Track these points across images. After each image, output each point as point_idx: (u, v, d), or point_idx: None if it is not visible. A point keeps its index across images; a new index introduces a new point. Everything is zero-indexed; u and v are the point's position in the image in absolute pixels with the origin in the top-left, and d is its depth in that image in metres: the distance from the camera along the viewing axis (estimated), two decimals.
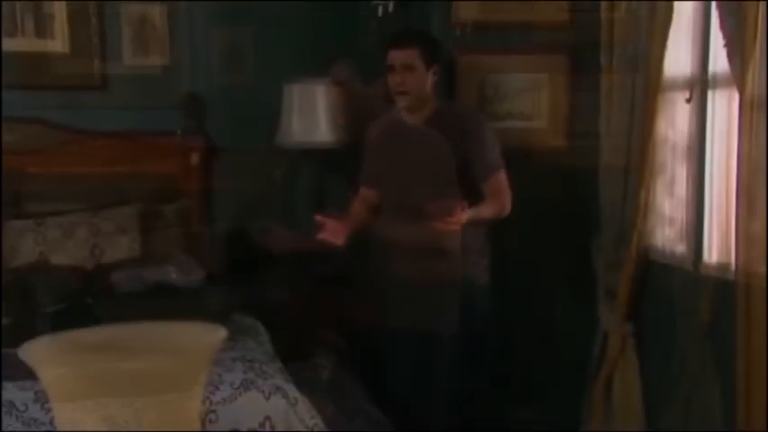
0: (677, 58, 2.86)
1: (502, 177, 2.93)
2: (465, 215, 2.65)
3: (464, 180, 2.89)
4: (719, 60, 2.60)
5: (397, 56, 2.88)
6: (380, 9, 3.57)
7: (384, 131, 3.06)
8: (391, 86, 2.90)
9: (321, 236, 2.80)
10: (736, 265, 2.39)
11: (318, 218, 2.82)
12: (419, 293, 2.94)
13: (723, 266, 2.60)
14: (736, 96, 2.37)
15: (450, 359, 2.99)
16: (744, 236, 2.33)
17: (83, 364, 0.92)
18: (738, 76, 2.33)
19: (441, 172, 2.90)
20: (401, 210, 2.95)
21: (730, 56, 2.38)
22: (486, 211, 2.83)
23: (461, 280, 2.94)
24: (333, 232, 2.80)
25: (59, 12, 3.50)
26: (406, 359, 3.07)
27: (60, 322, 2.12)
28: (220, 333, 0.98)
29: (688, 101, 2.82)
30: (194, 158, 3.59)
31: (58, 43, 3.52)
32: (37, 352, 0.96)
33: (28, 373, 1.23)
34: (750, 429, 2.32)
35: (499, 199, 2.90)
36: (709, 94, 2.70)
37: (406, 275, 2.96)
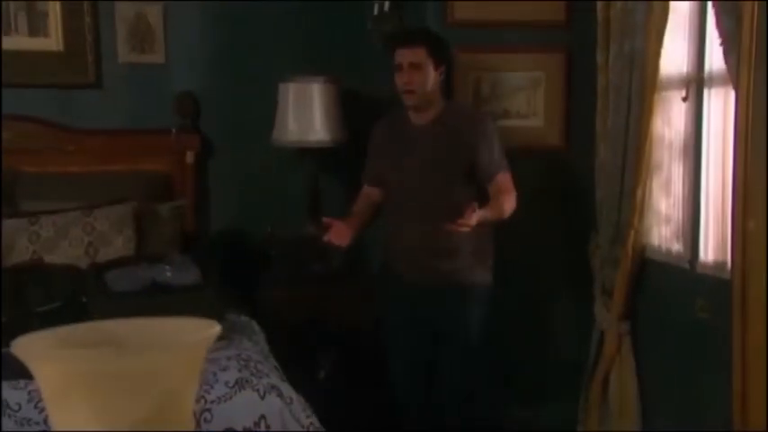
0: (673, 57, 2.86)
1: (508, 177, 2.93)
2: (476, 216, 2.65)
3: (470, 180, 2.90)
4: (715, 58, 2.60)
5: (405, 55, 2.88)
6: (376, 8, 3.57)
7: (390, 130, 3.06)
8: (399, 85, 2.90)
9: (327, 238, 2.82)
10: (732, 263, 2.39)
11: (325, 220, 2.84)
12: (424, 292, 2.94)
13: (719, 265, 2.60)
14: (732, 94, 2.37)
15: (452, 359, 2.99)
16: (740, 234, 2.32)
17: (76, 359, 0.91)
18: (734, 74, 2.32)
19: (446, 171, 2.90)
20: (406, 209, 2.94)
21: (726, 54, 2.37)
22: (493, 211, 2.82)
23: (466, 278, 2.94)
24: (338, 234, 2.81)
25: (53, 10, 3.48)
26: (407, 358, 3.07)
27: (54, 321, 2.10)
28: (215, 328, 0.97)
29: (684, 99, 2.82)
30: (189, 157, 3.58)
31: (52, 42, 3.50)
32: (30, 347, 0.95)
33: (22, 373, 1.22)
34: (746, 428, 2.32)
35: (506, 199, 2.89)
36: (705, 92, 2.70)
37: (411, 274, 2.95)
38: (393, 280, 3.02)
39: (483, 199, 2.85)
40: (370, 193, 3.10)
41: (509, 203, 2.89)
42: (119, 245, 3.14)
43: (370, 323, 3.37)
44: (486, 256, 2.99)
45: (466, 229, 2.65)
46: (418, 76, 2.86)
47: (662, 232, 3.03)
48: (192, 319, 0.99)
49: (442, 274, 2.91)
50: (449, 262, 2.90)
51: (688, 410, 2.83)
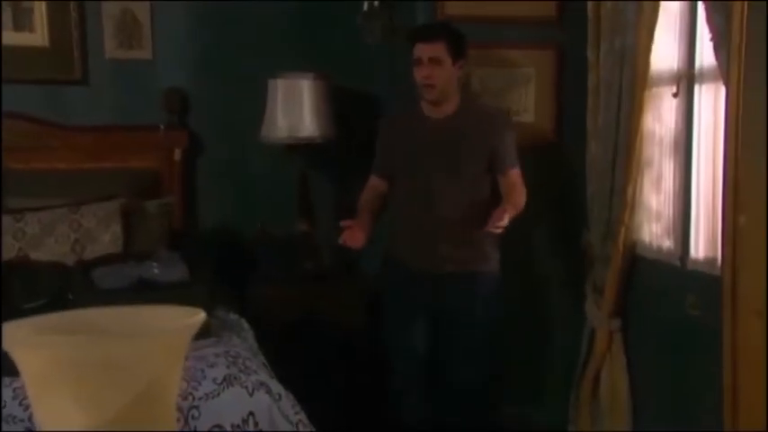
0: (664, 53, 2.86)
1: (518, 172, 2.99)
2: (507, 217, 2.73)
3: (484, 173, 2.94)
4: (706, 54, 2.59)
5: (424, 49, 2.89)
6: (366, 4, 3.55)
7: (405, 123, 3.07)
8: (418, 80, 2.92)
9: (342, 240, 2.82)
10: (723, 259, 2.38)
11: (343, 223, 2.84)
12: (435, 280, 2.93)
13: (710, 261, 2.60)
14: (723, 90, 2.37)
15: (455, 352, 2.98)
16: (730, 230, 2.32)
17: (59, 345, 0.89)
18: (725, 70, 2.32)
19: (462, 165, 2.92)
20: (420, 201, 2.94)
21: (717, 50, 2.37)
22: (515, 208, 2.87)
23: (478, 266, 2.97)
24: (352, 236, 2.81)
25: (38, 8, 3.44)
26: (409, 355, 3.05)
27: None
28: (198, 316, 0.95)
29: (675, 95, 2.81)
30: (177, 154, 3.55)
31: (37, 37, 3.46)
32: (13, 334, 0.93)
33: (7, 370, 1.19)
34: (737, 425, 2.31)
35: (519, 194, 2.95)
36: (696, 88, 2.70)
37: (423, 263, 2.94)
38: (401, 272, 3.01)
39: (494, 193, 2.92)
40: (378, 184, 3.11)
41: (522, 199, 2.96)
42: (106, 242, 3.11)
43: (362, 322, 3.35)
44: (496, 244, 3.01)
45: (499, 231, 2.75)
46: (438, 70, 2.88)
47: (653, 229, 3.03)
48: (176, 308, 0.97)
49: (455, 263, 2.94)
50: (463, 250, 2.93)
51: (679, 407, 2.82)
